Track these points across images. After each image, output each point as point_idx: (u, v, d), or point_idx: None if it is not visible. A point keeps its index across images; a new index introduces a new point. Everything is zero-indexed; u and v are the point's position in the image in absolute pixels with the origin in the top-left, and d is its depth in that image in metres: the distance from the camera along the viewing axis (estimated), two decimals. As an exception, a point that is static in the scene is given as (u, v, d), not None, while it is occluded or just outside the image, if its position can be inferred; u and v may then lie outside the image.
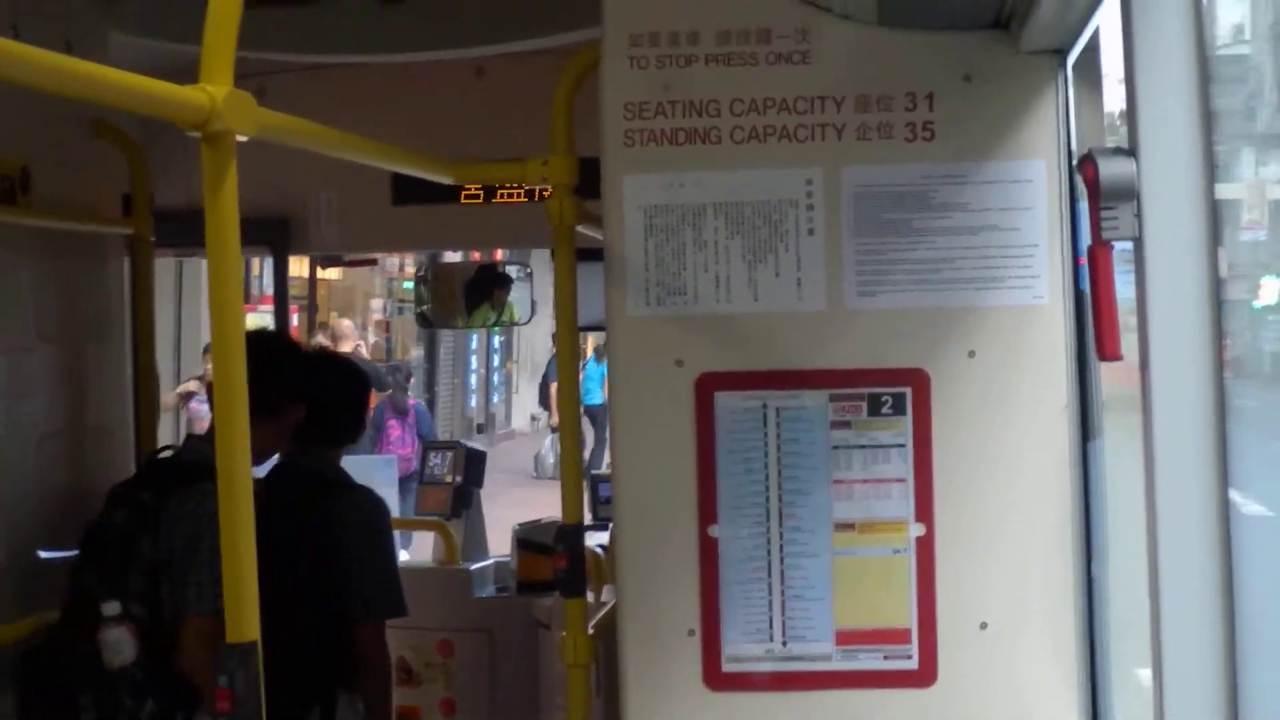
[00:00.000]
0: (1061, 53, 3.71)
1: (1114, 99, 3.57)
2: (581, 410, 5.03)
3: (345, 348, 17.31)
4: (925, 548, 3.78)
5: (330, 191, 6.56)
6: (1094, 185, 2.62)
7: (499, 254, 9.65)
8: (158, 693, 4.39)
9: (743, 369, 3.82)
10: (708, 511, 3.81)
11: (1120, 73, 2.78)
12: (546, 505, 7.02)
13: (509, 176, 4.08)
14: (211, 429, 2.70)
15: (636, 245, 3.83)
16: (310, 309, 16.79)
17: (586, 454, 19.92)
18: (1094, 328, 2.75)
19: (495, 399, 32.10)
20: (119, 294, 5.40)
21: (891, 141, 3.77)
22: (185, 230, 5.29)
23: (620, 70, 3.82)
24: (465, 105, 6.27)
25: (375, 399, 17.60)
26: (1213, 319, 2.59)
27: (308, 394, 4.94)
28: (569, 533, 4.05)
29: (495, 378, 31.97)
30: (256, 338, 5.31)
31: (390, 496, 11.09)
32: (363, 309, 28.78)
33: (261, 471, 5.08)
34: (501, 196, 6.41)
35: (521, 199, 6.34)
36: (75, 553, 4.71)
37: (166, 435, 7.23)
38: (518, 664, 6.63)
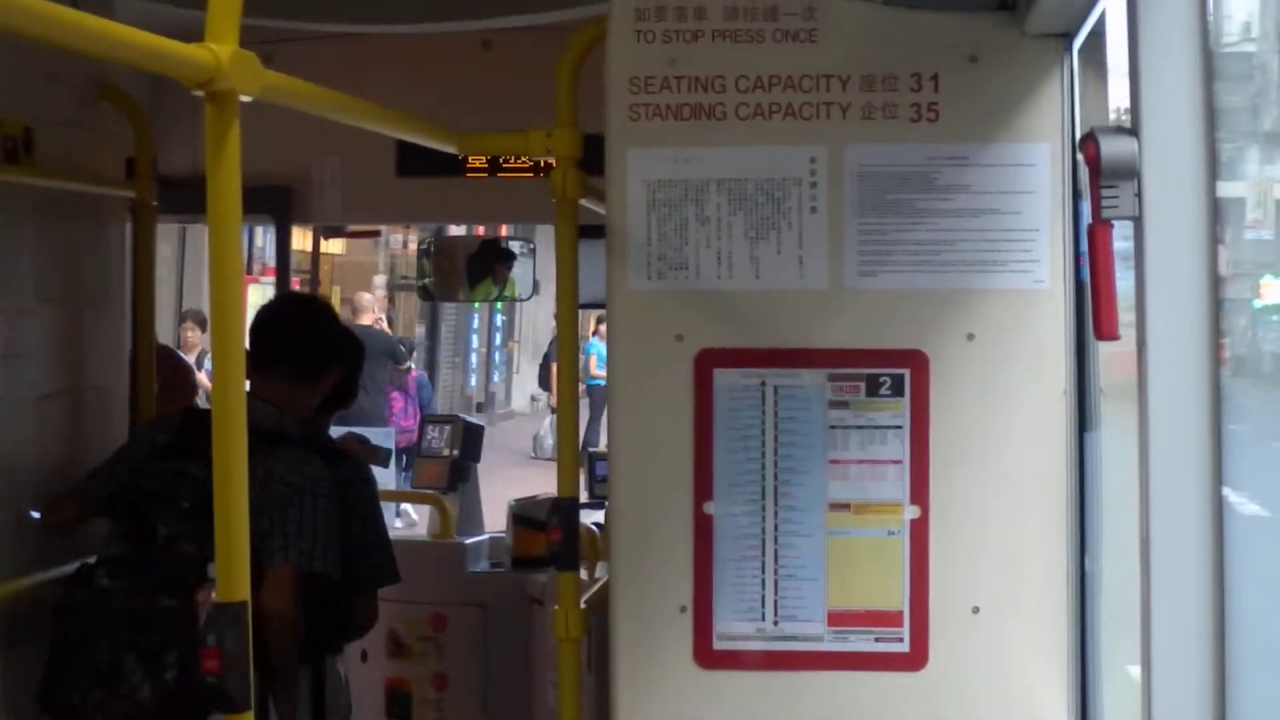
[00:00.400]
0: (1067, 36, 3.71)
1: (1119, 89, 3.57)
2: (583, 389, 5.02)
3: (365, 320, 17.45)
4: (919, 530, 3.78)
5: (334, 161, 6.55)
6: (1095, 163, 2.62)
7: (504, 230, 9.63)
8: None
9: (742, 346, 3.82)
10: (703, 488, 3.81)
11: (1124, 60, 2.77)
12: (543, 485, 7.01)
13: (513, 147, 4.08)
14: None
15: (639, 219, 3.83)
16: (312, 282, 16.76)
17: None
18: (1092, 306, 2.74)
19: (496, 378, 32.10)
20: (120, 258, 5.39)
21: (896, 122, 3.77)
22: (189, 197, 5.30)
23: (626, 43, 3.82)
24: (472, 79, 6.26)
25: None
26: (1210, 300, 2.59)
27: (344, 360, 4.95)
28: (564, 506, 4.04)
29: (496, 357, 31.96)
30: (296, 301, 5.30)
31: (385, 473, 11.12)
32: (366, 284, 28.77)
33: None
34: (506, 171, 6.40)
35: (527, 174, 6.33)
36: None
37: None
38: (510, 640, 6.62)
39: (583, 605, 4.03)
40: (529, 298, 7.73)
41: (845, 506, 3.80)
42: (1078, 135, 3.73)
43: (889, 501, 3.79)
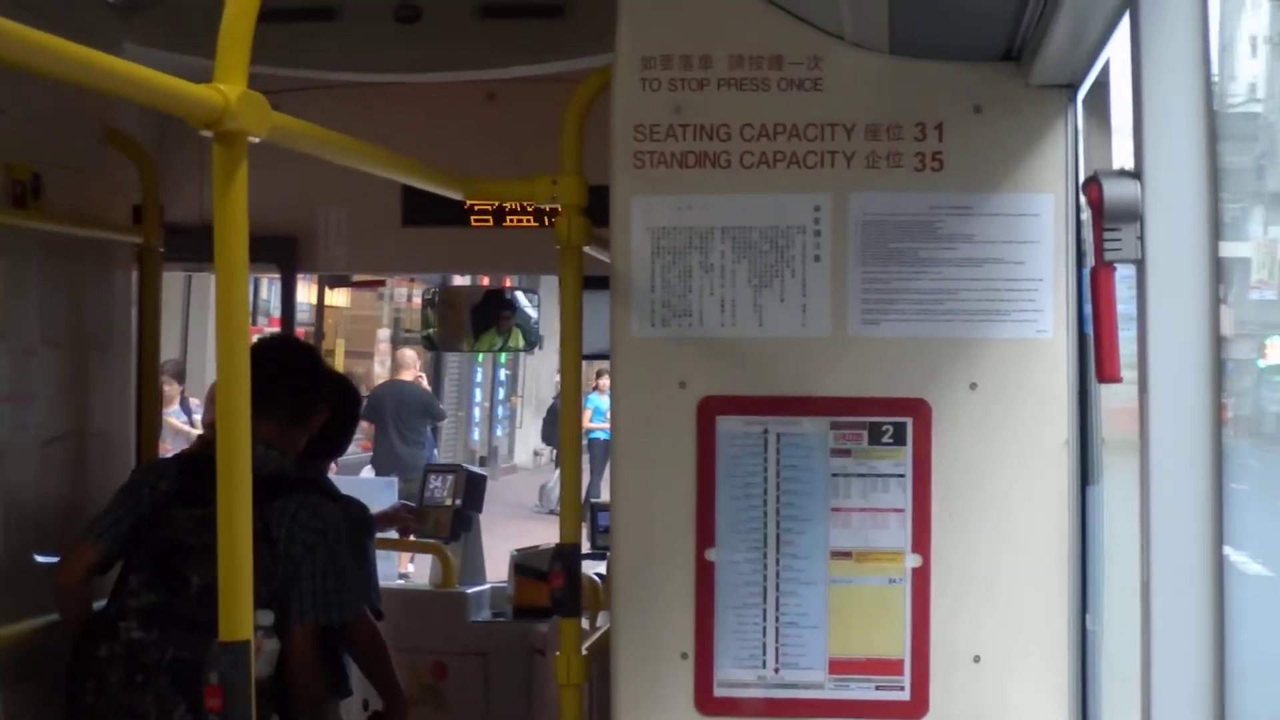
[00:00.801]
0: (1071, 87, 3.72)
1: (1123, 144, 3.58)
2: (584, 443, 5.03)
3: (406, 376, 18.06)
4: (921, 579, 3.78)
5: (339, 211, 6.57)
6: (1098, 206, 2.63)
7: (507, 281, 9.66)
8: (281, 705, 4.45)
9: (745, 393, 3.83)
10: (705, 535, 3.81)
11: (1127, 112, 2.79)
12: (545, 538, 7.02)
13: (518, 194, 4.09)
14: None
15: (643, 266, 3.84)
16: (317, 335, 16.84)
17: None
18: (1094, 349, 2.75)
19: (499, 432, 32.07)
20: (126, 303, 5.42)
21: (900, 170, 3.79)
22: (195, 244, 5.32)
23: (632, 91, 3.84)
24: (475, 130, 6.28)
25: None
26: (1212, 345, 2.60)
27: (330, 399, 4.95)
28: (566, 553, 4.04)
29: (499, 411, 31.95)
30: (279, 344, 5.33)
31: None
32: (370, 336, 28.82)
33: None
34: (511, 221, 6.42)
35: (532, 224, 6.35)
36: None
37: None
38: (511, 689, 6.62)
39: (584, 651, 4.03)
40: (532, 350, 7.75)
41: (847, 554, 3.80)
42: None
43: (890, 550, 3.79)
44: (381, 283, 22.64)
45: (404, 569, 15.17)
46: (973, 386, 3.78)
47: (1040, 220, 3.76)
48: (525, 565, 6.85)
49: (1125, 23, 2.87)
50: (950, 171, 3.78)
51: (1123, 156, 3.60)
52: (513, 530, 14.43)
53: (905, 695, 3.79)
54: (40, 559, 4.81)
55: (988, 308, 3.78)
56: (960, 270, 3.78)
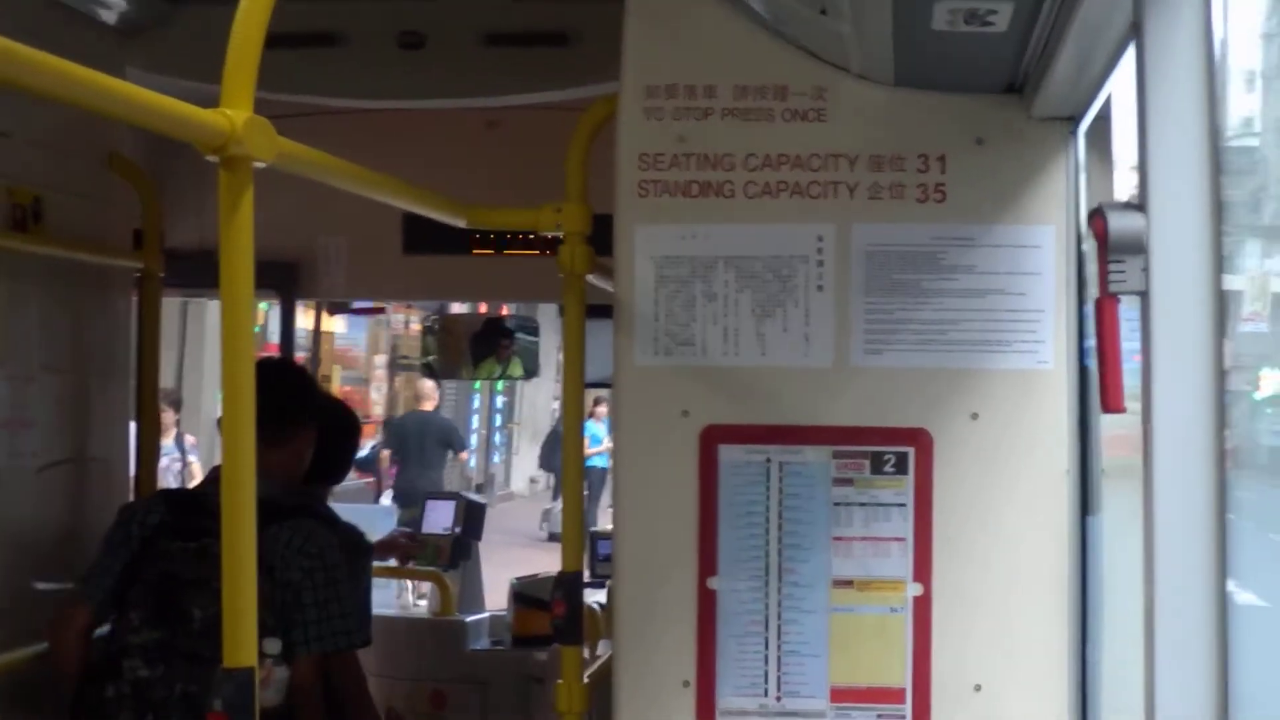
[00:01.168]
0: (1073, 120, 3.74)
1: (1124, 179, 3.59)
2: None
3: (427, 406, 18.54)
4: (922, 607, 3.78)
5: (340, 238, 6.57)
6: (1103, 238, 2.64)
7: (505, 310, 9.67)
8: None
9: (747, 422, 3.83)
10: (707, 563, 3.81)
11: (1129, 145, 2.80)
12: (544, 566, 7.02)
13: (522, 221, 4.09)
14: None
15: (646, 295, 3.85)
16: (313, 361, 16.86)
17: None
18: (1099, 380, 2.76)
19: (496, 459, 32.07)
20: (126, 329, 5.41)
21: (903, 202, 3.80)
22: (195, 271, 5.32)
23: (636, 120, 3.85)
24: (475, 158, 6.28)
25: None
26: (1216, 374, 2.61)
27: (319, 421, 4.92)
28: (568, 581, 4.04)
29: (496, 438, 31.94)
30: (259, 366, 5.30)
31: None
32: (367, 363, 28.84)
33: None
34: (513, 249, 6.42)
35: (533, 252, 6.35)
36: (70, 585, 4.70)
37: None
38: (510, 718, 6.61)
39: (585, 680, 4.03)
40: (529, 378, 7.75)
41: (848, 583, 3.80)
42: (1083, 218, 3.75)
43: (892, 578, 3.79)
44: (381, 309, 22.67)
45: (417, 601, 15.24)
46: (974, 416, 3.78)
47: (1042, 252, 3.77)
48: (525, 594, 6.84)
49: (1127, 57, 2.88)
50: (952, 203, 3.79)
51: (1124, 189, 3.62)
52: (511, 558, 14.40)
53: (906, 724, 3.79)
54: (40, 585, 4.80)
55: (989, 338, 3.78)
56: (962, 301, 3.78)
